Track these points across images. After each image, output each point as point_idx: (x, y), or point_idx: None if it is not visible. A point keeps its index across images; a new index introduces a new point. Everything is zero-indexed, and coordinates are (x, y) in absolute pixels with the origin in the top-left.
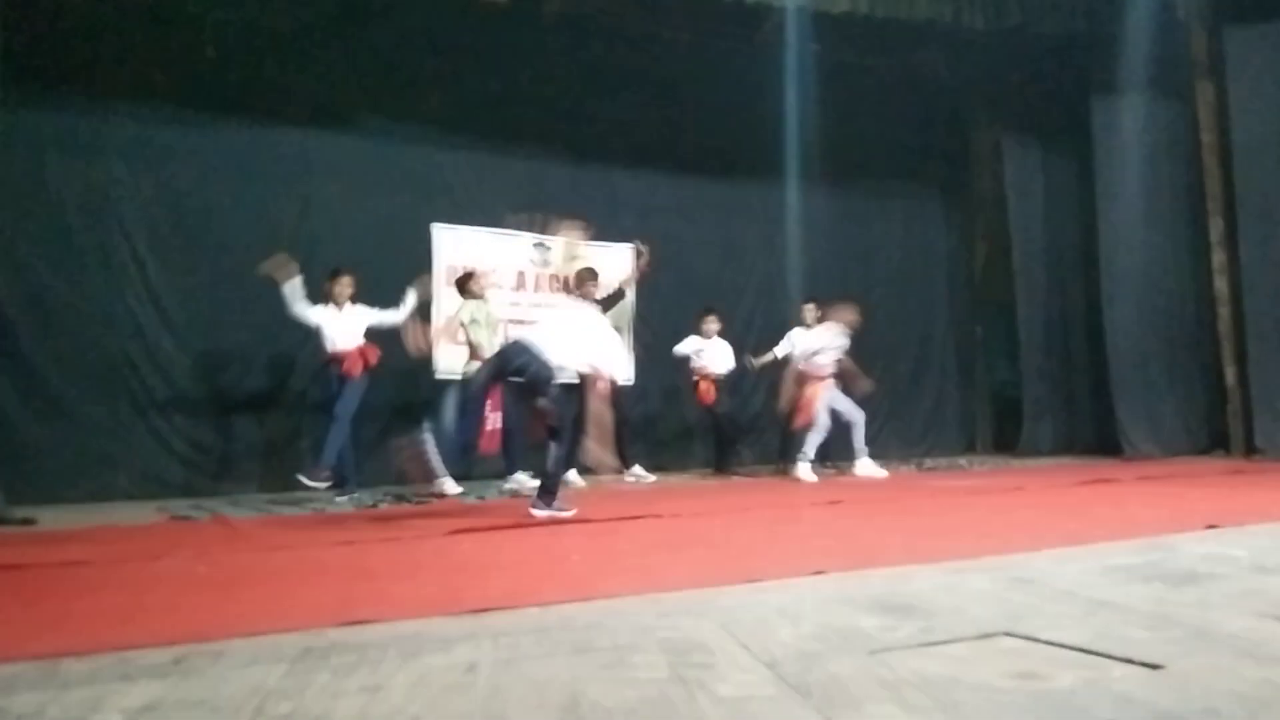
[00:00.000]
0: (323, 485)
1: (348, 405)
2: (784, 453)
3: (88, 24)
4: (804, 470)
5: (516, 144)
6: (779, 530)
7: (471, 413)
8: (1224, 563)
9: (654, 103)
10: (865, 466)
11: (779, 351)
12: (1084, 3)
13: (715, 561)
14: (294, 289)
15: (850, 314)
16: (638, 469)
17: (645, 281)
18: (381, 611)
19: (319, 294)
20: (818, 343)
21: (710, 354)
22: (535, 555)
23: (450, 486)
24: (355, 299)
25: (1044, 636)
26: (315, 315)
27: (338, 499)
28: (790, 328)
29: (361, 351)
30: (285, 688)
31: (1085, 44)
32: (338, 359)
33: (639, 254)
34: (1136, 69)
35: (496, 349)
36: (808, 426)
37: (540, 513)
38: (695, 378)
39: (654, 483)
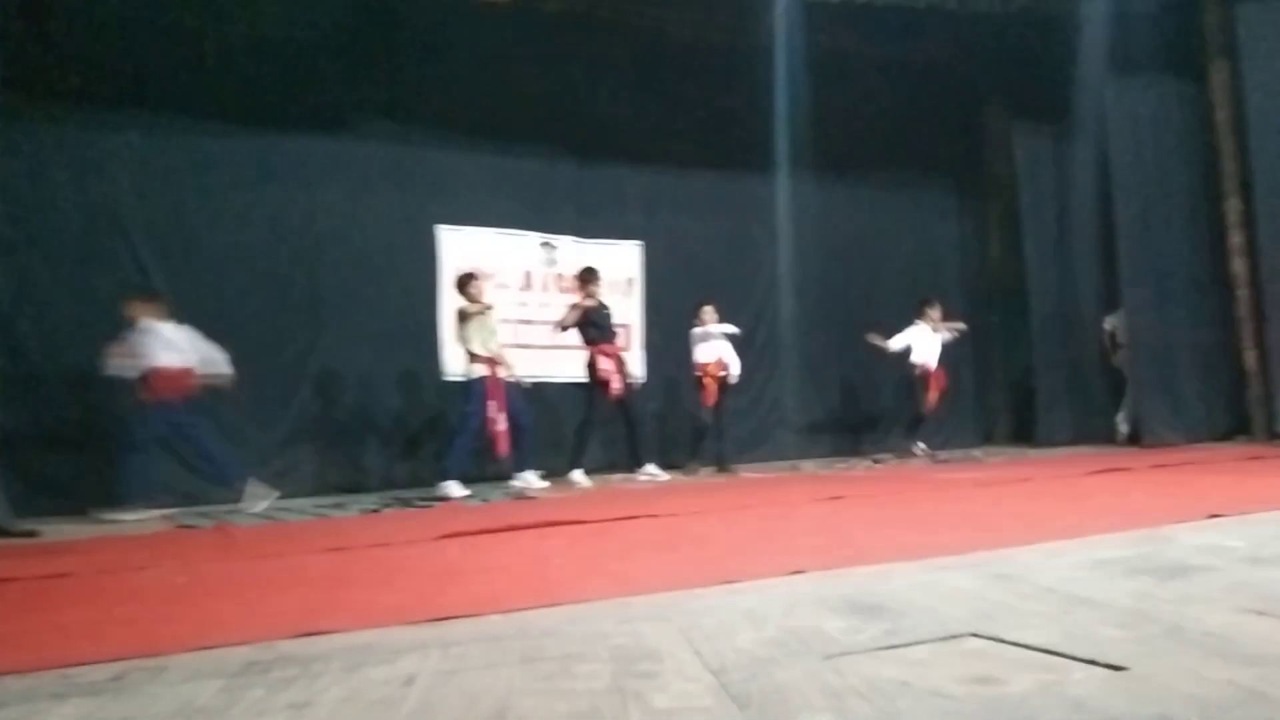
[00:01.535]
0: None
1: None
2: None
3: (87, 32)
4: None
5: (520, 143)
6: (771, 528)
7: (475, 415)
8: (1218, 554)
9: (657, 98)
10: None
11: (896, 346)
12: None
13: (696, 562)
14: None
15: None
16: (651, 468)
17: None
18: (343, 621)
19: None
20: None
21: (708, 347)
22: (517, 560)
23: (456, 490)
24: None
25: (1011, 637)
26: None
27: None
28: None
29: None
30: (214, 705)
31: (1095, 24)
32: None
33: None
34: (1148, 49)
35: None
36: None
37: None
38: (697, 373)
39: (667, 481)
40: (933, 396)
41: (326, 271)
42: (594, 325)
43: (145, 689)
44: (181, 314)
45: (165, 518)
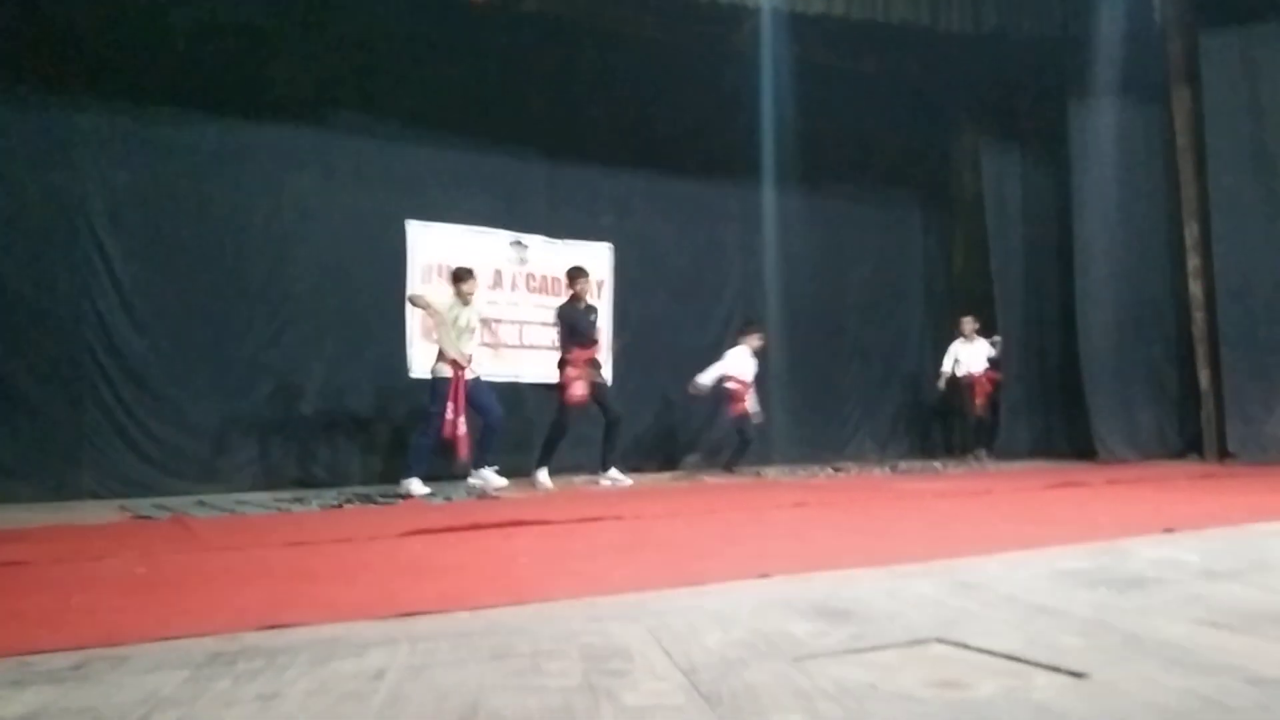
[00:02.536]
0: None
1: None
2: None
3: (53, 15)
4: None
5: (493, 141)
6: (736, 533)
7: (439, 415)
8: (1174, 567)
9: (632, 102)
10: None
11: (946, 369)
12: (1062, 7)
13: (662, 564)
14: None
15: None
16: (614, 472)
17: None
18: (308, 615)
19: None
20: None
21: (743, 365)
22: (483, 558)
23: (417, 488)
24: None
25: (975, 643)
26: None
27: None
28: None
29: None
30: (180, 695)
31: (1063, 48)
32: None
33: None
34: (1113, 73)
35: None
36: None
37: None
38: (732, 387)
39: (630, 486)
40: (980, 401)
41: (291, 263)
42: (572, 329)
43: (108, 678)
44: (140, 301)
45: (120, 508)
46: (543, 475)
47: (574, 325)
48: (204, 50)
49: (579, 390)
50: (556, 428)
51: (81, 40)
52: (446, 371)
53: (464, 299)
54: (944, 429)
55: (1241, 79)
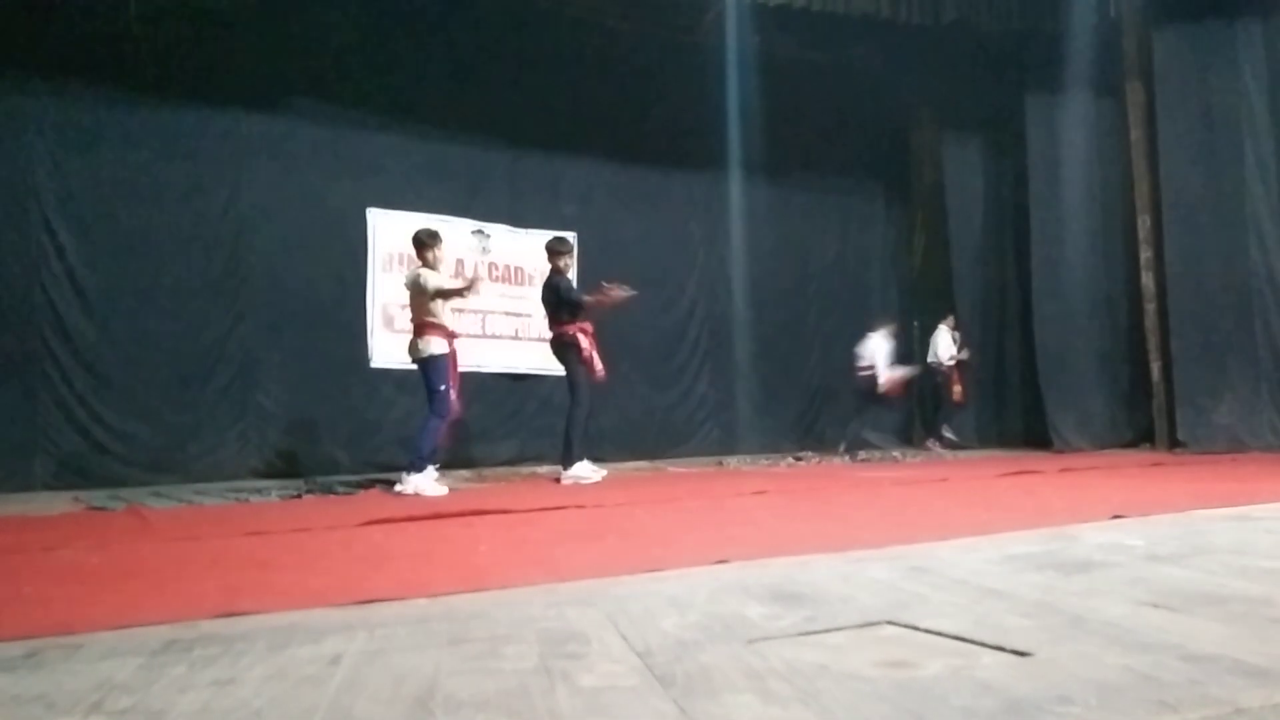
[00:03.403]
0: None
1: None
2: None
3: None
4: None
5: (456, 129)
6: (696, 520)
7: (443, 395)
8: (1119, 551)
9: (595, 91)
10: None
11: (945, 358)
12: (1020, 1)
13: (621, 551)
14: None
15: None
16: (580, 467)
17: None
18: (265, 603)
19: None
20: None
21: (876, 350)
22: (443, 546)
23: (429, 484)
24: None
25: (925, 625)
26: None
27: None
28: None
29: None
30: (133, 682)
31: (1022, 41)
32: None
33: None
34: (1071, 67)
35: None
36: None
37: None
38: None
39: (600, 481)
40: (958, 390)
41: (250, 251)
42: (571, 303)
43: (61, 666)
44: (94, 290)
45: (75, 499)
46: (585, 466)
47: (569, 297)
48: (161, 35)
49: (599, 366)
50: (578, 408)
51: (33, 24)
52: (441, 348)
53: (435, 266)
54: (920, 417)
55: (1192, 75)
